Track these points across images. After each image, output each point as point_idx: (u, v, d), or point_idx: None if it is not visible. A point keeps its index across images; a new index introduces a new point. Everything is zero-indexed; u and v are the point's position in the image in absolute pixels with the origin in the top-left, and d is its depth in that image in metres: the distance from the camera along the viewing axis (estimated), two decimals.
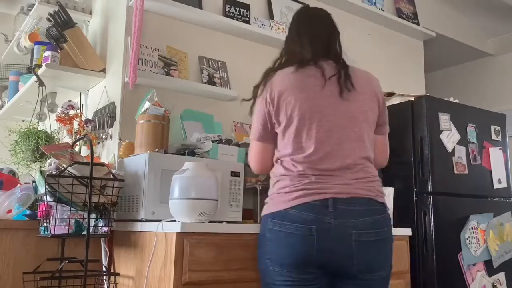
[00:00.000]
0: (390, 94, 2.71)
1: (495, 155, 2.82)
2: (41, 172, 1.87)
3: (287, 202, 1.62)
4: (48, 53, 2.54)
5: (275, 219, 1.63)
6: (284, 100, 1.69)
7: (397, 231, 2.16)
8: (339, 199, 1.60)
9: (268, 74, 1.80)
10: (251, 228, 1.84)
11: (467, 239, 2.50)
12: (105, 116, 2.47)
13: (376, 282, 1.65)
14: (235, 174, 2.10)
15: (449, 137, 2.60)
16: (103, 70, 2.63)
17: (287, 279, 1.60)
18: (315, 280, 1.61)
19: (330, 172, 1.64)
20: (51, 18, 2.60)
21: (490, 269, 2.58)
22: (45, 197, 1.82)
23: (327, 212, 1.59)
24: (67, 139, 2.65)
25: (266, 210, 1.69)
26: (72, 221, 1.81)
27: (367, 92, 1.76)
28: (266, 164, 1.80)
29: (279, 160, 1.74)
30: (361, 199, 1.63)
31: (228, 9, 2.80)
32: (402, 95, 2.67)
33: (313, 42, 1.79)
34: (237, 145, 2.38)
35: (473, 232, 2.54)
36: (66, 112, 2.51)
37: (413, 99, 2.62)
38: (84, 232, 1.77)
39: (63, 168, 1.84)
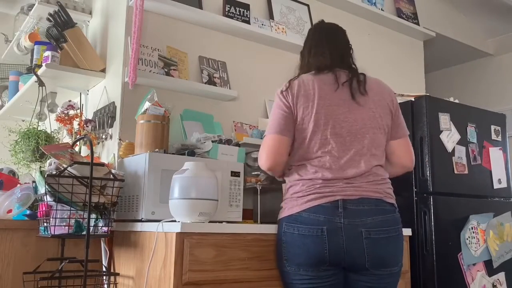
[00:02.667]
0: None
1: (495, 155, 2.82)
2: (41, 172, 1.87)
3: (300, 206, 1.72)
4: (48, 53, 2.54)
5: (289, 222, 1.74)
6: (302, 104, 1.78)
7: None
8: (348, 200, 1.70)
9: (293, 78, 1.88)
10: (251, 228, 1.84)
11: (467, 239, 2.50)
12: (105, 116, 2.47)
13: (388, 276, 1.74)
14: (235, 174, 2.10)
15: (449, 137, 2.60)
16: (103, 70, 2.63)
17: (303, 278, 1.70)
18: (331, 277, 1.72)
19: (341, 176, 1.73)
20: (51, 18, 2.60)
21: (490, 269, 2.58)
22: (45, 197, 1.82)
23: (337, 212, 1.68)
24: (67, 139, 2.65)
25: (281, 214, 1.80)
26: (72, 221, 1.81)
27: (379, 99, 1.84)
28: (280, 159, 1.77)
29: (293, 166, 1.82)
30: (369, 200, 1.72)
31: (228, 9, 2.80)
32: (402, 95, 2.67)
33: (331, 51, 1.88)
34: (237, 145, 2.38)
35: (473, 232, 2.54)
36: (66, 112, 2.51)
37: (413, 99, 2.63)
38: (84, 232, 1.77)
39: (63, 168, 1.84)
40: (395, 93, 1.95)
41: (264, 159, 1.78)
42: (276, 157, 1.76)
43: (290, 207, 1.76)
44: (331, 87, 1.80)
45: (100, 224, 1.88)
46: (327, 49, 1.89)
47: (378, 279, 1.72)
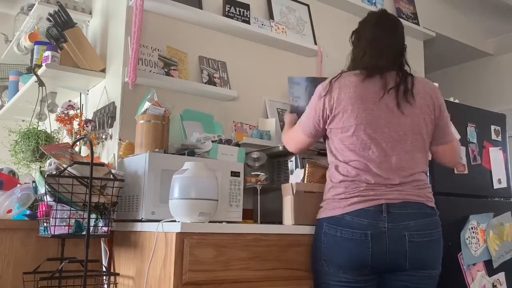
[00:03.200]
0: None
1: (495, 155, 2.82)
2: (41, 172, 1.87)
3: (343, 208, 1.72)
4: (48, 53, 2.54)
5: (330, 223, 1.74)
6: (343, 107, 1.77)
7: None
8: (391, 204, 1.70)
9: (338, 74, 1.85)
10: (251, 228, 1.84)
11: (467, 239, 2.50)
12: (105, 116, 2.47)
13: (426, 278, 1.74)
14: (235, 174, 2.10)
15: None
16: (103, 70, 2.63)
17: (341, 280, 1.71)
18: (368, 282, 1.72)
19: (383, 180, 1.73)
20: (51, 18, 2.60)
21: (490, 269, 2.58)
22: (45, 197, 1.82)
23: (381, 217, 1.68)
24: (67, 139, 2.65)
25: (322, 214, 1.80)
26: (72, 221, 1.81)
27: (423, 105, 1.80)
28: (302, 150, 2.06)
29: (334, 166, 1.82)
30: (412, 204, 1.72)
31: (228, 9, 2.80)
32: None
33: (384, 52, 1.82)
34: (237, 145, 2.38)
35: (473, 232, 2.54)
36: (66, 112, 2.50)
37: None
38: (84, 232, 1.77)
39: (63, 168, 1.84)
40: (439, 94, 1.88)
41: (290, 146, 2.08)
42: (299, 150, 2.05)
43: (332, 208, 1.76)
44: (377, 91, 1.77)
45: (100, 224, 1.88)
46: (384, 49, 1.82)
47: (416, 279, 1.72)
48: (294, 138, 2.03)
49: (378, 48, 1.83)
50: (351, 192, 1.73)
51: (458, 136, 2.12)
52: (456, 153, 1.98)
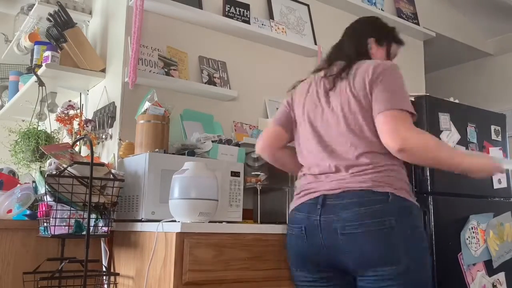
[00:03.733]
0: None
1: (495, 155, 2.82)
2: (41, 172, 1.87)
3: (293, 205, 1.73)
4: (48, 53, 2.54)
5: (288, 222, 1.75)
6: (296, 105, 1.83)
7: None
8: (329, 195, 1.60)
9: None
10: (251, 228, 1.84)
11: (467, 239, 2.50)
12: (105, 116, 2.47)
13: (389, 279, 1.51)
14: (235, 174, 2.10)
15: (449, 137, 2.59)
16: (103, 70, 2.63)
17: (301, 279, 1.70)
18: (330, 279, 1.65)
19: (324, 170, 1.67)
20: (51, 18, 2.60)
21: (490, 269, 2.58)
22: (45, 197, 1.82)
23: (315, 209, 1.62)
24: (67, 139, 2.65)
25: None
26: (72, 221, 1.81)
27: (358, 80, 1.64)
28: (265, 145, 1.89)
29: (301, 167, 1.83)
30: (352, 192, 1.56)
31: (228, 9, 2.80)
32: None
33: (335, 47, 1.87)
34: (237, 145, 2.38)
35: (473, 232, 2.54)
36: (66, 112, 2.51)
37: (413, 99, 2.62)
38: (84, 232, 1.77)
39: (63, 168, 1.84)
40: (382, 67, 1.65)
41: (256, 144, 1.94)
42: (262, 143, 1.90)
43: (290, 207, 1.77)
44: (315, 85, 1.79)
45: (100, 224, 1.88)
46: (334, 47, 1.87)
47: (377, 281, 1.52)
48: (262, 135, 1.95)
49: (330, 51, 1.88)
50: (300, 187, 1.73)
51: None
52: (388, 128, 1.55)
